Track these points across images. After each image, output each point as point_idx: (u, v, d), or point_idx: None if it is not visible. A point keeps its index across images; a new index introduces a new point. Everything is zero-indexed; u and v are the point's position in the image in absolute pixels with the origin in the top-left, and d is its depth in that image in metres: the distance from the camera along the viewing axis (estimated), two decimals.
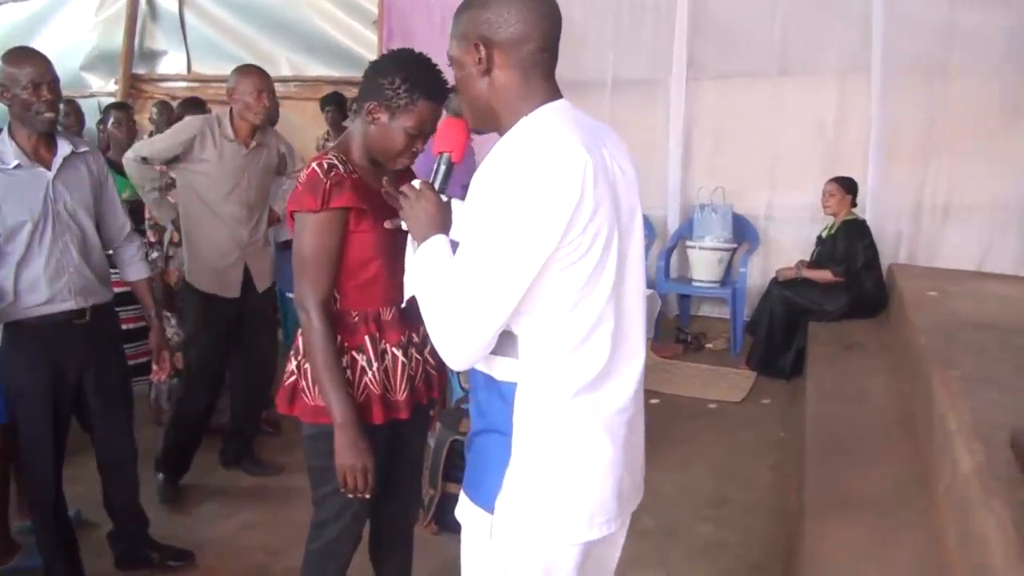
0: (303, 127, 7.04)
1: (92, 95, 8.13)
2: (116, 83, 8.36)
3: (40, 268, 2.86)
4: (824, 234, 5.99)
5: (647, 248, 6.66)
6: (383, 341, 2.22)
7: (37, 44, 8.46)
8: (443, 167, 1.77)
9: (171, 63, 8.38)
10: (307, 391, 2.20)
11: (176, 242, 4.39)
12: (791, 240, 6.53)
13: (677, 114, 6.78)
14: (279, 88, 7.67)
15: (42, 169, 2.88)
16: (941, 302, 4.88)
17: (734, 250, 6.59)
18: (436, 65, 2.16)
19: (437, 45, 2.22)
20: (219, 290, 3.92)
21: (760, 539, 3.64)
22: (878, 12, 6.13)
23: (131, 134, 5.47)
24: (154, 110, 5.80)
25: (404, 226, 1.73)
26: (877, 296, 5.74)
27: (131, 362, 3.89)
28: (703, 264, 6.53)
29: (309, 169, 2.12)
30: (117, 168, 4.20)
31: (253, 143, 3.88)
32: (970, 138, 6.06)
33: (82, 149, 3.02)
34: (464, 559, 1.73)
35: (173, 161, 3.86)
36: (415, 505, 2.63)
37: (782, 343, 5.76)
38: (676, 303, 6.86)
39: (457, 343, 1.51)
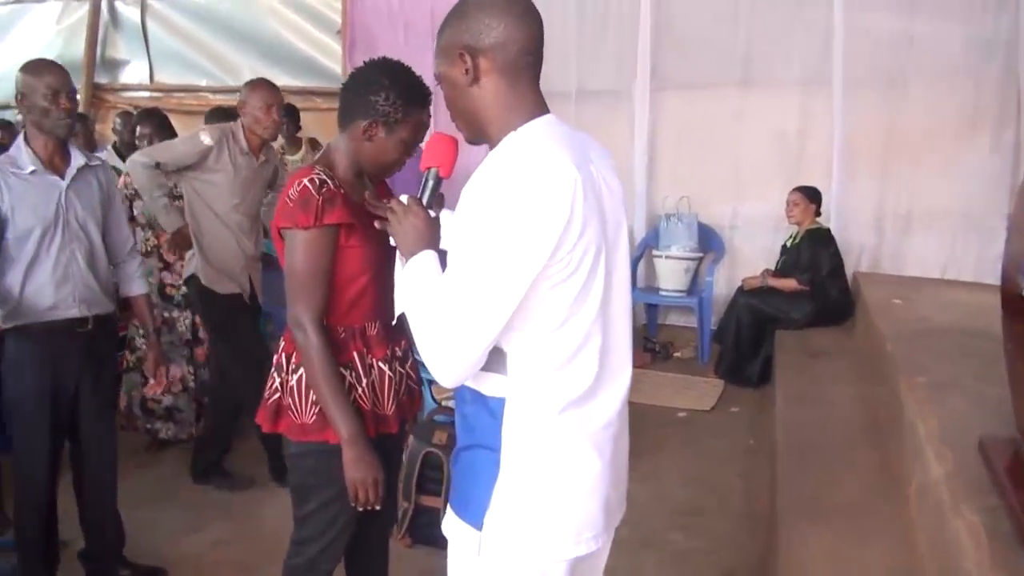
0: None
1: None
2: (78, 93, 8.25)
3: (47, 274, 2.90)
4: (789, 243, 6.07)
5: None
6: (370, 356, 2.22)
7: (1, 53, 8.42)
8: (431, 182, 1.77)
9: (133, 72, 8.30)
10: (293, 408, 2.19)
11: (159, 245, 4.46)
12: (756, 249, 6.60)
13: (642, 124, 6.82)
14: (240, 97, 7.73)
15: (55, 177, 2.93)
16: (906, 309, 4.97)
17: (700, 259, 6.64)
18: (416, 73, 2.19)
19: (401, 54, 2.25)
20: (236, 290, 3.99)
21: (732, 546, 3.67)
22: (839, 23, 6.23)
23: (90, 145, 5.41)
24: (117, 120, 5.72)
25: (392, 242, 1.73)
26: (842, 304, 5.82)
27: None
28: (670, 273, 6.57)
29: (300, 185, 2.10)
30: None
31: (262, 157, 3.92)
32: (930, 147, 6.19)
33: (95, 162, 3.09)
34: (451, 575, 1.73)
35: (183, 169, 3.85)
36: (393, 520, 2.63)
37: (749, 351, 5.81)
38: (644, 312, 6.89)
39: (448, 360, 1.51)
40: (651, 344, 6.60)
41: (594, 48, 6.86)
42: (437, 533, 1.82)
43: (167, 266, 4.48)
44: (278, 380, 2.23)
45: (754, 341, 5.80)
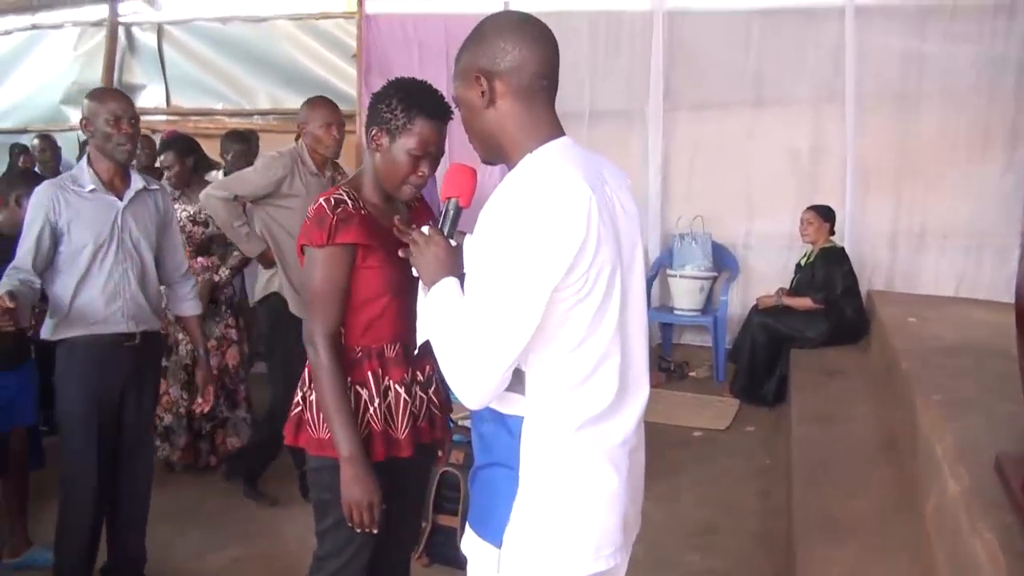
0: None
1: (72, 129, 8.10)
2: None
3: (98, 289, 3.04)
4: (803, 262, 6.08)
5: None
6: (386, 378, 2.24)
7: (16, 79, 8.59)
8: (451, 212, 1.81)
9: (150, 96, 8.39)
10: (312, 423, 2.23)
11: (236, 266, 4.57)
12: (770, 268, 6.61)
13: (655, 144, 6.86)
14: (258, 121, 7.81)
15: (114, 198, 3.10)
16: (921, 327, 4.97)
17: (714, 278, 6.66)
18: (433, 87, 2.20)
19: (416, 76, 2.27)
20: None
21: (749, 566, 3.67)
22: (851, 42, 6.27)
23: (150, 169, 5.46)
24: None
25: (415, 272, 1.77)
26: (857, 322, 5.82)
27: None
28: (684, 293, 6.59)
29: (317, 204, 2.16)
30: None
31: (328, 174, 3.93)
32: (943, 165, 6.21)
33: (154, 187, 3.25)
34: None
35: (259, 199, 3.91)
36: (414, 541, 2.64)
37: (764, 370, 5.81)
38: (658, 332, 6.91)
39: (472, 382, 1.54)
40: (666, 363, 6.60)
41: (607, 69, 6.90)
42: (454, 552, 1.85)
43: None
44: (300, 394, 2.28)
45: (769, 360, 5.80)
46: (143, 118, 8.34)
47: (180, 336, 4.50)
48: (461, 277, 1.68)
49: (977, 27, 6.07)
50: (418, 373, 2.30)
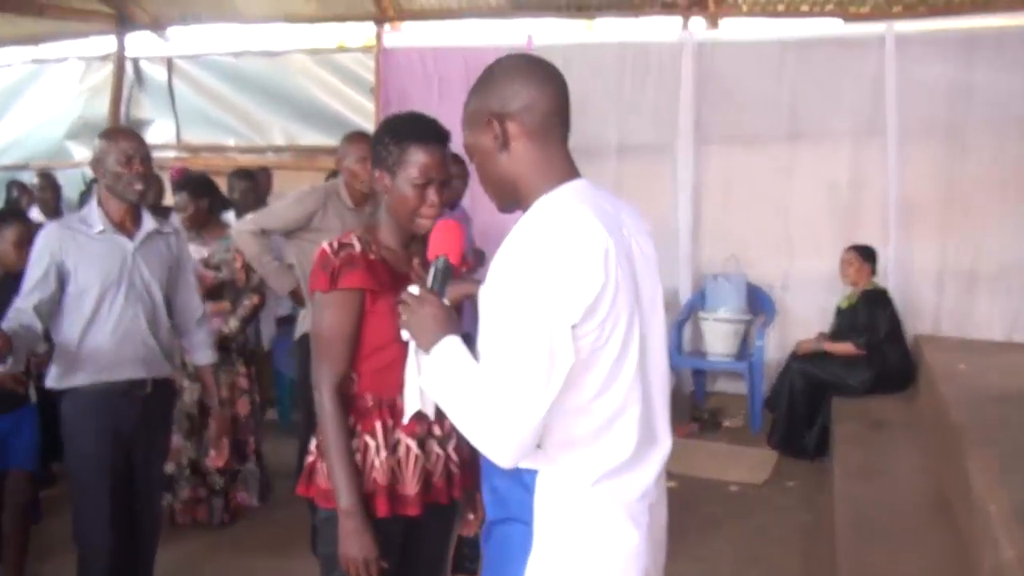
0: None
1: (75, 166, 8.23)
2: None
3: (108, 332, 3.08)
4: (843, 304, 6.02)
5: None
6: (397, 430, 2.23)
7: (18, 113, 8.72)
8: (440, 270, 1.83)
9: (159, 132, 8.50)
10: (322, 472, 2.24)
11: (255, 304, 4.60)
12: (809, 311, 6.55)
13: (685, 180, 6.86)
14: (272, 157, 7.89)
15: (124, 239, 3.15)
16: (971, 375, 4.90)
17: (750, 322, 6.61)
18: (423, 115, 2.25)
19: (435, 112, 2.33)
20: None
21: None
22: (891, 73, 6.26)
23: (157, 208, 5.52)
24: None
25: (404, 336, 1.79)
26: (903, 369, 5.75)
27: None
28: (718, 337, 6.54)
29: (320, 249, 2.22)
30: None
31: (368, 209, 3.96)
32: (993, 201, 6.17)
33: (167, 229, 3.31)
34: None
35: (290, 233, 3.98)
36: None
37: (804, 420, 5.74)
38: (690, 378, 6.86)
39: (504, 442, 1.54)
40: (699, 412, 6.54)
41: (634, 102, 6.93)
42: None
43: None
44: (315, 442, 2.29)
45: (809, 409, 5.73)
46: (153, 154, 8.58)
47: (185, 382, 4.49)
48: (463, 337, 1.69)
49: None
50: (435, 427, 2.28)
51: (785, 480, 5.40)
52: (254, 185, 5.92)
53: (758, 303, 6.69)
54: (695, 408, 6.60)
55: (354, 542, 2.11)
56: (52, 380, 3.08)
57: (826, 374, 5.74)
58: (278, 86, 8.02)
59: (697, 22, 7.15)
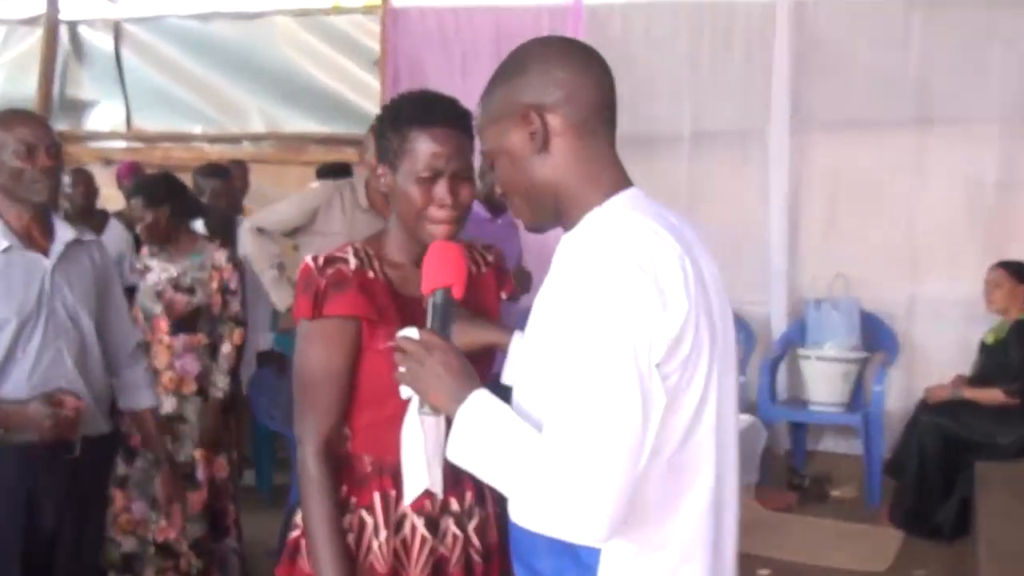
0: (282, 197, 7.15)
1: None
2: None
3: (23, 378, 2.96)
4: (989, 339, 6.00)
5: (743, 359, 6.70)
6: (401, 504, 2.19)
7: None
8: (440, 305, 1.83)
9: (104, 116, 8.59)
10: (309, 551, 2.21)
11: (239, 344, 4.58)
12: (943, 347, 6.51)
13: (779, 176, 6.86)
14: (248, 148, 7.95)
15: (37, 254, 3.03)
16: None
17: (864, 361, 6.57)
18: (432, 92, 2.23)
19: (457, 88, 2.31)
20: None
21: None
22: None
23: (89, 211, 5.56)
24: (67, 180, 5.78)
25: (403, 394, 1.80)
26: None
27: None
28: (823, 380, 6.51)
29: (303, 265, 2.18)
30: None
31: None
32: None
33: (87, 237, 3.22)
34: None
35: (292, 233, 4.18)
36: None
37: (938, 490, 5.69)
38: (786, 434, 6.83)
39: (599, 512, 1.53)
40: (798, 479, 6.49)
41: (714, 78, 6.96)
42: None
43: (154, 371, 4.53)
44: (300, 514, 2.25)
45: (945, 476, 5.68)
46: (96, 144, 8.70)
47: None
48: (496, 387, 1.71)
49: None
50: (452, 500, 2.24)
51: (913, 567, 5.35)
52: (225, 185, 5.94)
53: (875, 337, 6.65)
54: (793, 473, 6.55)
55: None
56: None
57: (968, 430, 5.69)
58: (257, 57, 8.12)
59: None
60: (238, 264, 4.53)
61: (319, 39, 7.99)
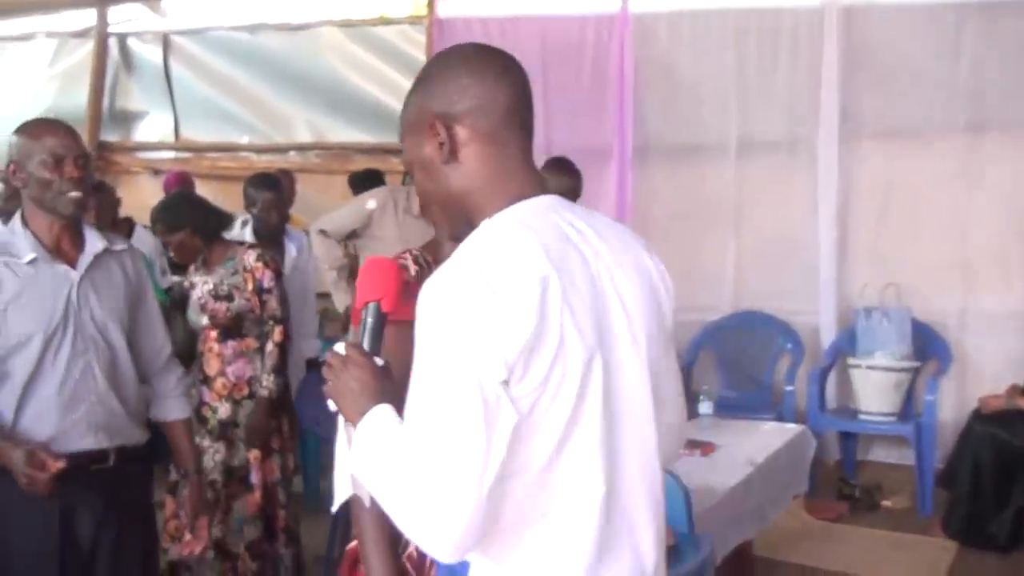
0: (327, 208, 7.16)
1: None
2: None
3: (52, 393, 2.92)
4: None
5: (793, 366, 6.68)
6: None
7: None
8: (370, 320, 1.83)
9: (153, 127, 8.66)
10: None
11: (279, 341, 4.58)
12: (997, 356, 6.46)
13: (828, 185, 6.83)
14: (295, 158, 7.98)
15: (66, 267, 2.98)
16: None
17: (916, 370, 6.51)
18: None
19: None
20: None
21: None
22: None
23: (112, 222, 5.60)
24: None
25: (331, 407, 1.78)
26: None
27: None
28: (873, 390, 6.45)
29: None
30: None
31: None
32: None
33: (118, 247, 3.16)
34: None
35: (351, 236, 4.37)
36: None
37: (993, 501, 5.62)
38: (836, 444, 6.77)
39: (444, 531, 1.53)
40: (848, 489, 6.43)
41: (761, 86, 6.95)
42: None
43: (206, 379, 4.57)
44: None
45: (999, 486, 5.62)
46: (144, 155, 8.76)
47: (208, 443, 4.52)
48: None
49: None
50: None
51: None
52: (276, 196, 5.96)
53: (927, 346, 6.59)
54: (843, 483, 6.48)
55: None
56: None
57: (1022, 440, 5.61)
58: (303, 69, 8.15)
59: None
60: (268, 263, 4.55)
61: (365, 50, 8.02)
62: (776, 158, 6.99)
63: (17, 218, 3.01)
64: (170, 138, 8.64)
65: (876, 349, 6.46)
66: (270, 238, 5.55)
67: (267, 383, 4.56)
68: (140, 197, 7.81)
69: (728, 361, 7.13)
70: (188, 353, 4.50)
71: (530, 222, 1.66)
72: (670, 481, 3.94)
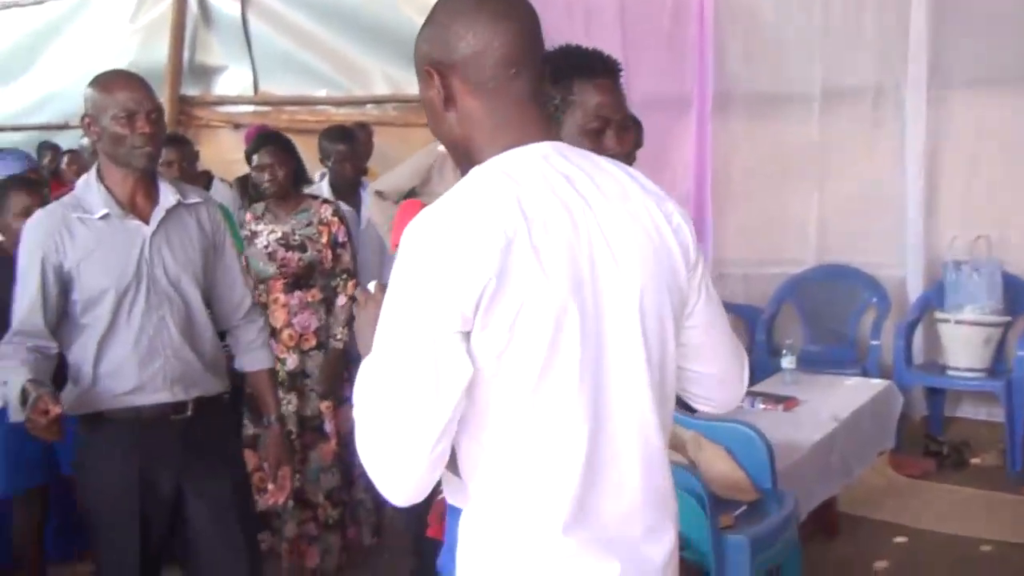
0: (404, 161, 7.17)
1: None
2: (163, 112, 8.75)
3: (128, 347, 2.97)
4: None
5: (879, 320, 6.58)
6: None
7: (56, 59, 9.06)
8: None
9: (232, 81, 8.72)
10: None
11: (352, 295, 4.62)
12: None
13: (916, 135, 6.71)
14: (372, 111, 7.99)
15: (138, 222, 3.02)
16: None
17: (1007, 325, 6.41)
18: (579, 45, 2.27)
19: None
20: None
21: None
22: None
23: (190, 176, 5.64)
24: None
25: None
26: None
27: None
28: (962, 345, 6.37)
29: None
30: None
31: None
32: None
33: (192, 200, 3.17)
34: None
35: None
36: None
37: None
38: (923, 400, 6.69)
39: (393, 474, 1.60)
40: (936, 445, 6.36)
41: (846, 33, 6.82)
42: None
43: (273, 331, 4.60)
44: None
45: None
46: (224, 109, 8.83)
47: (280, 393, 4.56)
48: None
49: None
50: None
51: None
52: (351, 149, 5.97)
53: (1019, 300, 6.47)
54: (931, 439, 6.42)
55: None
56: (67, 406, 2.85)
57: None
58: (380, 21, 8.15)
59: None
60: (343, 219, 4.65)
61: None
62: (862, 107, 6.85)
63: (93, 172, 3.04)
64: (249, 92, 8.71)
65: (965, 303, 6.36)
66: (346, 191, 5.61)
67: (341, 335, 4.62)
68: (220, 151, 7.94)
69: (811, 315, 7.06)
70: None
71: (513, 171, 1.65)
72: (752, 435, 3.95)
